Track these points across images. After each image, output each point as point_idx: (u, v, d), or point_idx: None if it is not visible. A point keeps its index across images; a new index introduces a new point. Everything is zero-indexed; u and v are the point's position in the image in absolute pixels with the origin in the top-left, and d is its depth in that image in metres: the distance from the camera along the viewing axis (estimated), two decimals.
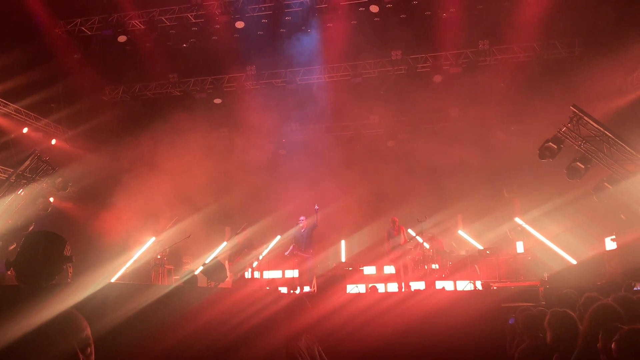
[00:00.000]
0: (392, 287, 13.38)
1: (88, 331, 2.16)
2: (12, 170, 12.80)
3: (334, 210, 16.13)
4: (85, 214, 16.01)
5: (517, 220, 14.91)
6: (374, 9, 14.52)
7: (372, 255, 15.64)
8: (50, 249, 2.44)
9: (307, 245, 12.91)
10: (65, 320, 2.15)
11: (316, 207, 12.98)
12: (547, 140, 11.09)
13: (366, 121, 18.05)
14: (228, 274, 12.60)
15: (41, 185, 12.53)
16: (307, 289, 12.48)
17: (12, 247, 11.62)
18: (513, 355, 5.61)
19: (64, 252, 2.50)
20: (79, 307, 2.32)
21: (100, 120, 16.49)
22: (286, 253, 13.38)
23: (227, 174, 16.02)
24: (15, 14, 13.91)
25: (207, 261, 12.58)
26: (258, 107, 16.97)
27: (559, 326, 4.28)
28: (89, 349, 2.15)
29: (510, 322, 6.46)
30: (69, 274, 2.51)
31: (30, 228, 12.13)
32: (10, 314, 2.07)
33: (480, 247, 15.21)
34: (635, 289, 8.15)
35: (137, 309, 3.96)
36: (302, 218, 13.21)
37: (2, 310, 2.13)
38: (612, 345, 3.11)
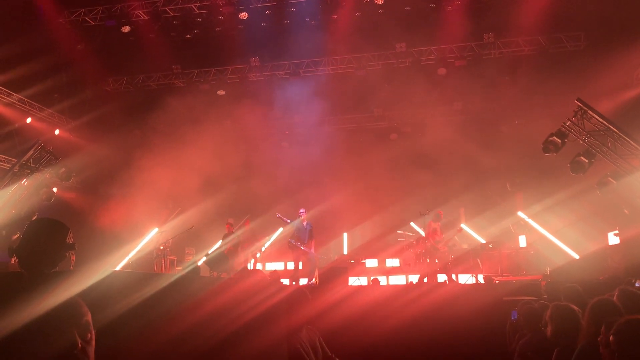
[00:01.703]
0: (395, 279, 13.40)
1: (88, 317, 2.17)
2: (15, 160, 12.83)
3: (337, 202, 16.15)
4: (88, 204, 16.07)
5: (520, 214, 14.90)
6: (379, 0, 14.45)
7: (374, 248, 15.68)
8: (52, 236, 2.44)
9: (308, 237, 12.92)
10: (65, 307, 2.16)
11: (301, 210, 13.01)
12: (551, 134, 11.06)
13: (369, 114, 18.01)
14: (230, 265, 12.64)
15: (44, 175, 12.56)
16: (303, 281, 12.49)
17: (16, 236, 11.65)
18: (514, 350, 5.60)
19: (67, 239, 2.50)
20: (84, 294, 2.33)
21: (103, 110, 16.52)
22: (291, 241, 13.27)
23: (230, 165, 16.02)
24: (19, 4, 13.89)
25: (209, 252, 12.61)
26: (261, 99, 16.95)
27: (561, 320, 4.26)
28: (89, 335, 2.16)
29: (513, 318, 6.44)
30: (72, 261, 2.52)
31: (34, 218, 12.17)
32: (13, 301, 2.09)
33: (483, 241, 15.21)
34: (636, 284, 8.15)
35: (141, 298, 3.97)
36: (302, 210, 13.20)
37: (5, 297, 2.14)
38: (610, 338, 3.10)
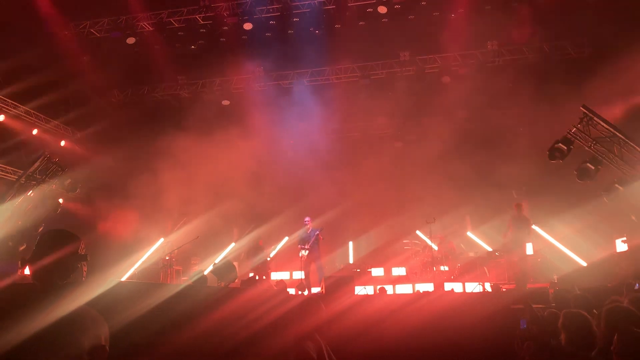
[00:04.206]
0: (401, 288, 13.33)
1: (96, 329, 2.13)
2: (22, 171, 12.88)
3: (342, 211, 16.13)
4: (94, 215, 16.09)
5: None
6: (382, 9, 14.49)
7: (380, 257, 15.63)
8: (65, 248, 2.44)
9: (312, 243, 12.94)
10: (75, 318, 2.14)
11: (306, 219, 13.02)
12: (557, 141, 11.03)
13: (374, 122, 18.02)
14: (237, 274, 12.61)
15: (50, 187, 12.61)
16: (315, 290, 12.47)
17: (22, 247, 11.70)
18: (523, 358, 5.55)
19: (79, 250, 2.51)
20: (91, 305, 2.32)
21: (109, 121, 16.57)
22: (299, 245, 13.25)
23: (236, 175, 16.03)
24: (25, 16, 14.00)
25: (216, 261, 12.61)
26: (266, 109, 16.99)
27: (574, 328, 4.20)
28: (100, 345, 2.14)
29: (522, 326, 6.39)
30: (84, 272, 2.52)
31: (40, 229, 12.20)
32: (26, 312, 2.08)
33: (489, 249, 15.13)
34: (636, 287, 8.14)
35: (148, 308, 3.97)
36: (307, 219, 13.23)
37: (18, 308, 2.14)
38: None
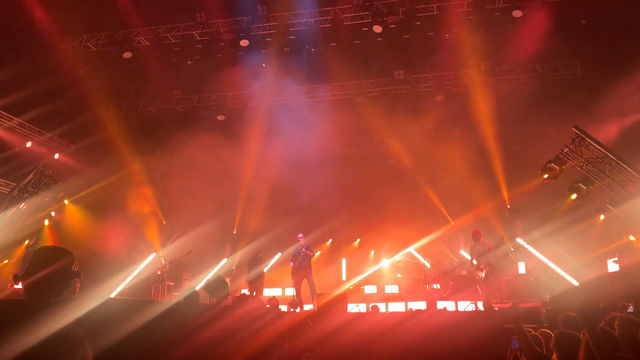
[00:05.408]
0: (394, 306, 13.30)
1: (75, 351, 2.10)
2: (14, 184, 12.83)
3: (335, 228, 16.10)
4: (86, 228, 15.98)
5: (519, 240, 14.86)
6: (377, 29, 14.66)
7: (373, 274, 15.58)
8: (58, 264, 2.44)
9: (301, 259, 12.90)
10: (60, 339, 2.12)
11: (299, 235, 13.03)
12: (549, 161, 11.11)
13: (368, 139, 18.07)
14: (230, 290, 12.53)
15: (43, 199, 12.54)
16: (307, 307, 12.40)
17: (12, 261, 11.61)
18: None
19: (72, 267, 2.50)
20: (79, 322, 2.30)
21: (103, 135, 16.54)
22: (291, 264, 13.25)
23: (229, 190, 16.01)
24: (22, 29, 14.04)
25: (208, 277, 12.54)
26: (260, 125, 17.02)
27: (566, 348, 4.20)
28: None
29: (514, 346, 6.37)
30: (76, 289, 2.51)
31: (31, 243, 12.12)
32: (15, 329, 2.07)
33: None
34: (629, 310, 8.15)
35: (138, 325, 3.93)
36: (300, 235, 13.20)
37: (9, 325, 2.12)
38: None
